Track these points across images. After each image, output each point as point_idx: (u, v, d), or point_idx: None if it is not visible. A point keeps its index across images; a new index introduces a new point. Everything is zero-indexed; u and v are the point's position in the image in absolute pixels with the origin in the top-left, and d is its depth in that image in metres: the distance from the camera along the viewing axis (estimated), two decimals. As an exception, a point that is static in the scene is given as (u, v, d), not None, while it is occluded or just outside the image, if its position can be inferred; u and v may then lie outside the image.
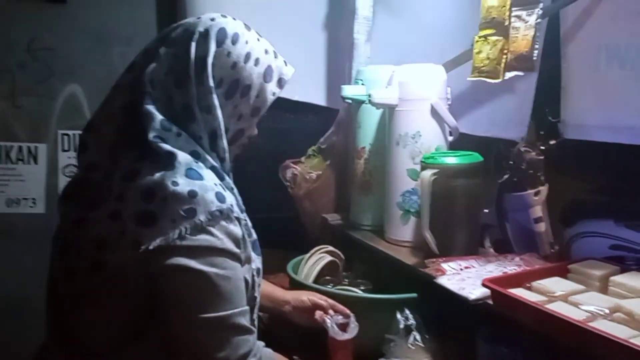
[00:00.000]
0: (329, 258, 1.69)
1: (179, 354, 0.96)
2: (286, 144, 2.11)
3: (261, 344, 1.05)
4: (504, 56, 1.28)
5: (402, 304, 1.37)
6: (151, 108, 0.97)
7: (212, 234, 0.92)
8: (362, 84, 1.77)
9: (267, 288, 1.42)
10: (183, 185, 0.92)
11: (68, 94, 2.07)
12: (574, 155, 1.32)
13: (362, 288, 1.61)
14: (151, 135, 0.96)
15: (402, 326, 1.33)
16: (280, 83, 1.11)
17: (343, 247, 1.77)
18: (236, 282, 0.96)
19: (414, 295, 1.42)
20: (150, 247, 0.89)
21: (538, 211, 1.33)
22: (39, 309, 2.07)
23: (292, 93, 2.05)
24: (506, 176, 1.39)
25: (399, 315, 1.35)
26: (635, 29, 1.16)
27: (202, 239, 0.91)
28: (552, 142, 1.34)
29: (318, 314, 1.38)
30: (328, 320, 1.35)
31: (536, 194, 1.32)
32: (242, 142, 1.13)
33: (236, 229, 0.97)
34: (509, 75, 1.30)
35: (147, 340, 0.97)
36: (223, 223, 0.94)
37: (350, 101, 1.81)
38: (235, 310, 0.95)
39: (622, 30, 1.19)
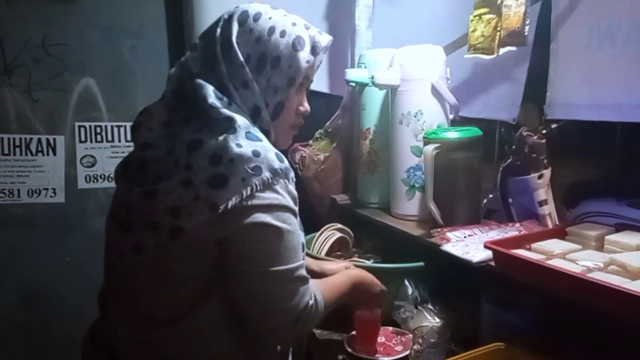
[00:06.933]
0: (338, 234, 1.77)
1: (247, 309, 1.02)
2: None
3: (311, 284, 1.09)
4: (498, 33, 1.34)
5: (410, 273, 1.44)
6: (202, 81, 1.05)
7: (277, 192, 0.98)
8: (365, 67, 1.83)
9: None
10: (246, 146, 0.97)
11: (82, 88, 2.15)
12: (575, 137, 1.36)
13: (371, 261, 1.68)
14: (210, 100, 1.02)
15: (410, 292, 1.41)
16: (315, 50, 1.11)
17: (352, 225, 1.84)
18: (298, 238, 1.03)
19: (421, 264, 1.49)
20: (229, 207, 0.94)
21: (542, 194, 1.36)
22: (61, 295, 2.18)
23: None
24: (509, 160, 1.42)
25: (407, 283, 1.42)
26: (627, 5, 1.19)
27: (271, 197, 0.97)
28: (554, 125, 1.38)
29: None
30: None
31: (540, 177, 1.34)
32: (296, 122, 1.17)
33: (293, 189, 1.03)
34: (502, 50, 1.36)
35: (210, 307, 1.02)
36: (284, 181, 1.00)
37: (354, 84, 1.87)
38: (299, 263, 1.02)
39: (613, 9, 1.22)
